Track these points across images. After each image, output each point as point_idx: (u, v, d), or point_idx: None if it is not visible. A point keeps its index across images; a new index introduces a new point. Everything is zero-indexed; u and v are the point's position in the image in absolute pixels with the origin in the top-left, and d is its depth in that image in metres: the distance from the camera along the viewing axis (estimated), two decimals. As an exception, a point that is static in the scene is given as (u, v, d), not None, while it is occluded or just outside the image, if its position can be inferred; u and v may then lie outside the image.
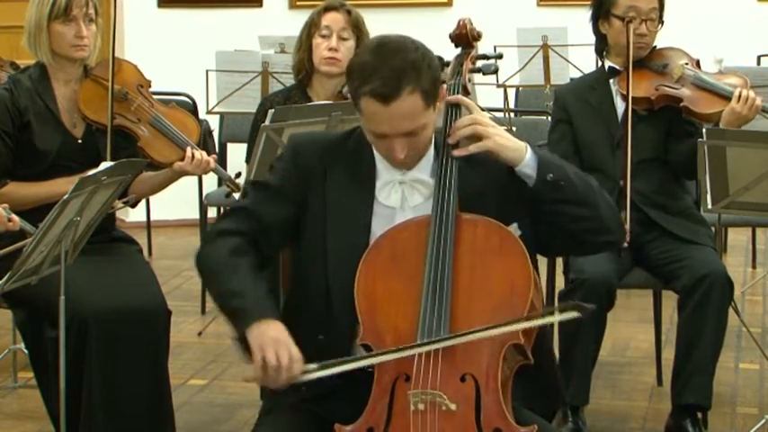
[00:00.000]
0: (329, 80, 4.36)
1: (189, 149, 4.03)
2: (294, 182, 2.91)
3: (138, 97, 4.10)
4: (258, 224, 2.91)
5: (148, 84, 4.18)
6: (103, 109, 4.01)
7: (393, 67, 2.74)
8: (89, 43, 4.00)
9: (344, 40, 4.33)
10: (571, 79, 5.70)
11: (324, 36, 4.33)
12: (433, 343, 2.68)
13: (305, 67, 4.38)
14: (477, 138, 2.84)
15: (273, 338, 2.73)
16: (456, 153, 2.84)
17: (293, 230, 2.92)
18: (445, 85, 2.91)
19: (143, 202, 6.84)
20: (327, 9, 4.36)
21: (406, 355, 2.69)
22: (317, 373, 2.73)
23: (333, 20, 4.33)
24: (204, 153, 4.05)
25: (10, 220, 3.55)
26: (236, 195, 4.17)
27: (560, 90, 4.69)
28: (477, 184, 2.88)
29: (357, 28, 4.36)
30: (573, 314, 2.69)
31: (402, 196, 2.90)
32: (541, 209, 2.84)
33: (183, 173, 4.05)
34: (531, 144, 2.90)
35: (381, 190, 2.90)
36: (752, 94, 4.27)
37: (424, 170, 2.90)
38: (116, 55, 4.08)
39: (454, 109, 2.91)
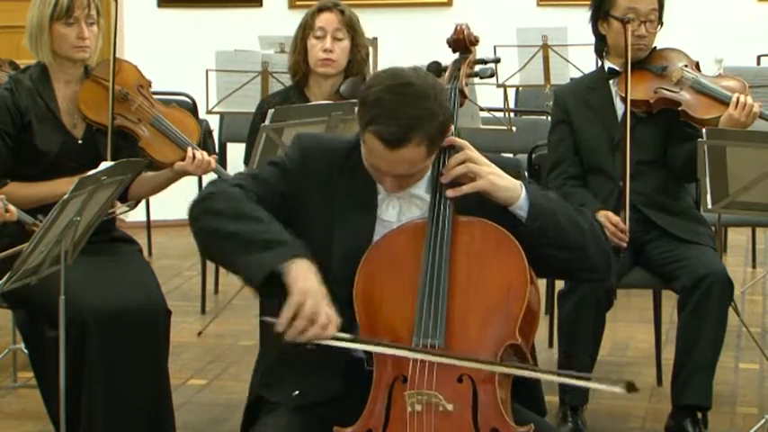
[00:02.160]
0: (326, 80, 4.36)
1: (190, 149, 4.03)
2: (297, 178, 2.89)
3: (139, 97, 4.11)
4: (261, 188, 2.85)
5: (148, 84, 4.18)
6: (104, 109, 4.01)
7: (407, 116, 2.68)
8: (90, 44, 4.00)
9: (339, 40, 4.32)
10: (571, 79, 5.70)
11: (318, 37, 4.32)
12: (444, 356, 2.67)
13: (301, 69, 4.38)
14: (470, 177, 2.81)
15: (317, 290, 2.66)
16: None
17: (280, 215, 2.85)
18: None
19: (142, 202, 6.86)
20: (321, 10, 4.35)
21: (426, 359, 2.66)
22: (344, 343, 2.67)
23: (326, 21, 4.32)
24: (205, 153, 4.05)
25: (7, 210, 3.56)
26: None
27: (560, 90, 4.69)
28: (474, 196, 2.87)
29: (351, 27, 4.35)
30: (615, 389, 2.67)
31: (399, 211, 2.90)
32: (529, 243, 2.82)
33: (184, 173, 4.06)
34: (525, 181, 2.87)
35: (380, 204, 2.90)
36: (749, 100, 4.26)
37: (421, 187, 2.89)
38: (116, 55, 4.08)
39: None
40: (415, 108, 2.69)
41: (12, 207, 3.58)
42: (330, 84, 4.37)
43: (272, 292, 2.69)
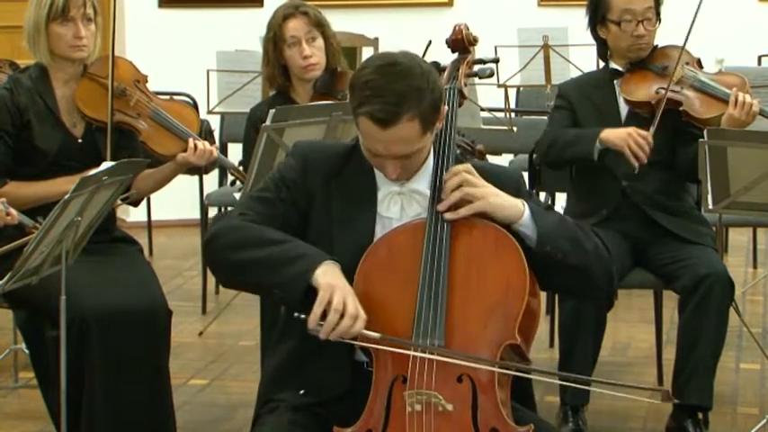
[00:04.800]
0: (309, 81, 4.39)
1: (191, 140, 4.05)
2: (299, 186, 2.91)
3: (136, 92, 4.11)
4: (265, 208, 2.89)
5: (145, 79, 4.18)
6: (102, 106, 4.01)
7: (395, 92, 2.71)
8: (88, 43, 4.00)
9: (313, 40, 4.34)
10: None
11: (292, 45, 4.33)
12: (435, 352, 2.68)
13: (277, 81, 4.39)
14: (468, 200, 2.81)
15: (343, 285, 2.69)
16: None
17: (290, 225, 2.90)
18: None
19: (143, 202, 6.86)
20: (286, 18, 4.35)
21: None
22: (373, 344, 2.69)
23: (295, 28, 4.32)
24: (206, 143, 4.07)
25: (8, 214, 3.56)
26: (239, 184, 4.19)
27: (564, 84, 4.63)
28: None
29: (319, 24, 4.36)
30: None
31: (401, 207, 2.90)
32: (533, 265, 2.81)
33: (187, 164, 4.06)
34: (527, 200, 2.87)
35: (381, 202, 2.91)
36: (748, 98, 4.24)
37: (422, 181, 2.89)
38: (115, 54, 4.08)
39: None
40: (401, 84, 2.71)
41: (13, 210, 3.58)
42: (312, 83, 4.41)
43: (307, 304, 2.73)
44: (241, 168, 4.25)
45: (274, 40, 4.34)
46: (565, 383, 2.76)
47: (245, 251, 2.79)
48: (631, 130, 4.24)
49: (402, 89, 2.71)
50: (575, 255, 2.83)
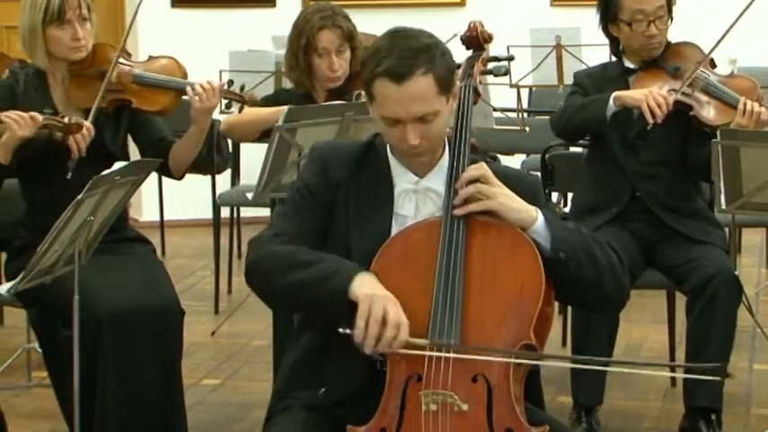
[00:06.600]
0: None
1: (188, 88, 4.01)
2: (322, 190, 2.91)
3: (116, 69, 4.03)
4: (297, 223, 2.90)
5: (124, 50, 4.10)
6: (94, 88, 3.97)
7: (407, 48, 2.76)
8: (86, 43, 3.98)
9: (342, 52, 4.39)
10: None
11: (322, 55, 4.36)
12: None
13: (305, 85, 4.43)
14: (479, 197, 2.81)
15: (385, 294, 2.70)
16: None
17: (325, 238, 2.92)
18: (459, 83, 2.90)
19: (156, 202, 6.88)
20: (321, 28, 4.38)
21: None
22: (421, 351, 2.68)
23: (329, 40, 4.36)
24: (204, 81, 4.02)
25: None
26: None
27: (579, 74, 4.58)
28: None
29: (350, 37, 4.40)
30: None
31: (415, 205, 2.90)
32: (548, 271, 2.80)
33: (204, 111, 4.00)
34: (543, 208, 2.85)
35: (397, 199, 2.91)
36: (757, 107, 4.21)
37: (437, 180, 2.89)
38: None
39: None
40: (411, 41, 2.78)
41: (81, 120, 3.71)
42: None
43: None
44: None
45: (306, 49, 4.37)
46: (601, 367, 2.75)
47: (281, 277, 2.81)
48: (651, 88, 4.23)
49: (412, 45, 2.77)
50: (589, 265, 2.82)
